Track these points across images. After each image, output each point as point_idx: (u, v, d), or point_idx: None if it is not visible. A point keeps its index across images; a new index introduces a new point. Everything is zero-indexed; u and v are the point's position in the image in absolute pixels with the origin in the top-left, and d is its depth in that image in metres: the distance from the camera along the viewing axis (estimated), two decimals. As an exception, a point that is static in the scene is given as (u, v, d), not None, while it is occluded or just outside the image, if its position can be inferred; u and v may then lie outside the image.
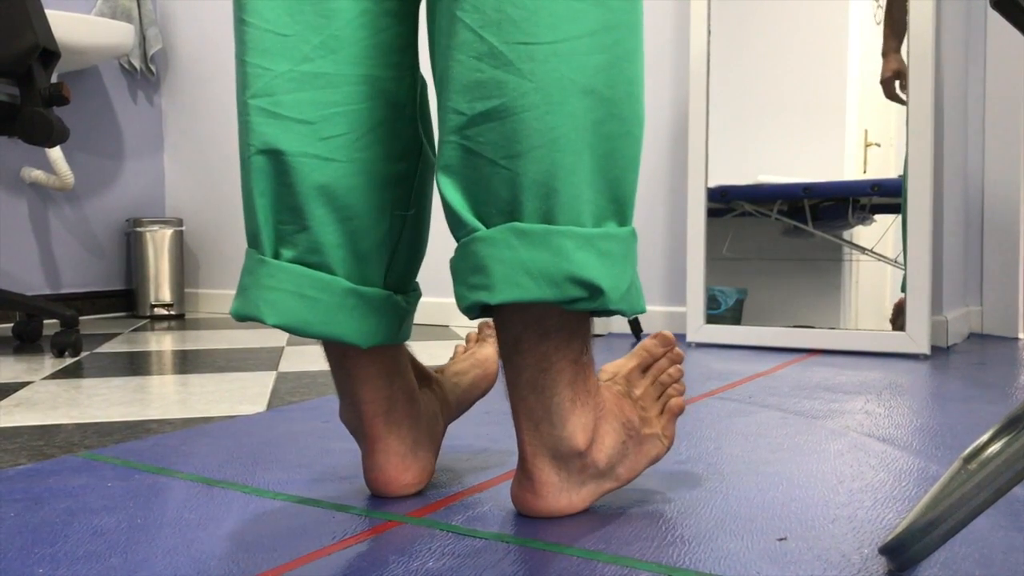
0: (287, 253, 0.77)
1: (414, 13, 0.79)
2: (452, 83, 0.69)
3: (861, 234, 1.98)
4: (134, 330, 2.50)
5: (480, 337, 1.06)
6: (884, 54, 1.90)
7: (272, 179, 0.76)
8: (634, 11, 0.70)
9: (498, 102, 0.67)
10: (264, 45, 0.75)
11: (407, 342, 0.86)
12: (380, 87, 0.77)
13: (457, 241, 0.72)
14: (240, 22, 0.76)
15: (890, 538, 0.63)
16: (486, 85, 0.67)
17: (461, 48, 0.68)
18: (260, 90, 0.75)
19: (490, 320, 1.06)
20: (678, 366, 0.87)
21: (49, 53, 1.76)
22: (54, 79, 1.90)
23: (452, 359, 1.02)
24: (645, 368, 0.86)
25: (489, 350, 1.03)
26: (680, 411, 0.86)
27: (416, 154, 0.81)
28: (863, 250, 1.97)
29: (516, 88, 0.66)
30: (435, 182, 0.74)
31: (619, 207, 0.71)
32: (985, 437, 0.70)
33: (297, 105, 0.75)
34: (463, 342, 1.09)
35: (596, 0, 0.67)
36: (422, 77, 0.83)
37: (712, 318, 2.05)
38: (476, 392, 0.99)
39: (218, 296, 3.03)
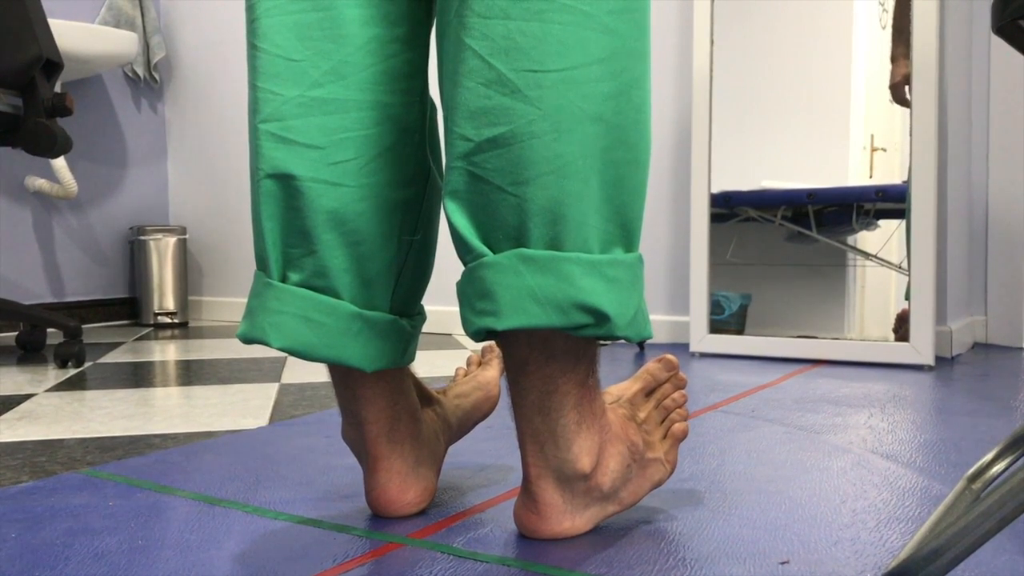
0: (294, 277, 0.77)
1: (424, 39, 0.80)
2: (459, 109, 0.69)
3: (866, 239, 1.97)
4: (138, 339, 2.50)
5: (483, 361, 1.06)
6: (893, 59, 1.90)
7: (281, 203, 0.76)
8: (642, 39, 0.70)
9: (505, 129, 0.67)
10: (274, 70, 0.75)
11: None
12: (389, 113, 0.77)
13: (464, 266, 0.72)
14: (252, 47, 0.77)
15: (893, 565, 0.62)
16: (494, 112, 0.67)
17: (469, 75, 0.68)
18: (270, 115, 0.75)
19: (493, 344, 1.07)
20: (682, 391, 0.87)
21: (52, 63, 1.77)
22: (57, 88, 1.90)
23: (453, 381, 1.02)
24: (649, 392, 0.86)
25: (491, 373, 1.03)
26: (683, 436, 0.86)
27: (424, 179, 0.81)
28: (867, 255, 1.96)
29: (524, 115, 0.67)
30: (442, 207, 0.74)
31: (626, 233, 0.71)
32: (989, 457, 0.70)
33: (306, 130, 0.75)
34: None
35: (604, 28, 0.67)
36: (432, 102, 0.84)
37: (716, 324, 2.05)
38: (477, 415, 0.99)
39: (222, 304, 3.03)
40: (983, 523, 0.58)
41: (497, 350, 1.07)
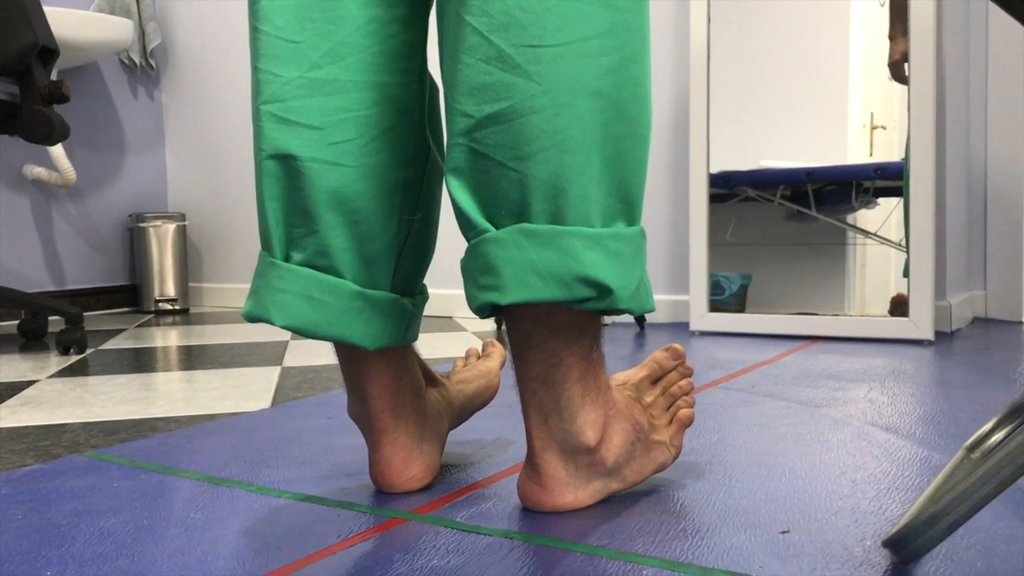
0: (297, 256, 0.78)
1: (423, 20, 0.80)
2: (460, 86, 0.69)
3: (865, 217, 1.97)
4: (139, 325, 2.50)
5: (484, 354, 1.08)
6: (891, 37, 1.89)
7: (283, 183, 0.77)
8: (641, 12, 0.70)
9: (506, 104, 0.67)
10: (275, 52, 0.76)
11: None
12: (388, 93, 0.77)
13: (467, 242, 0.72)
14: (254, 29, 0.77)
15: (893, 531, 0.63)
16: (494, 88, 0.67)
17: (469, 51, 0.68)
18: (271, 96, 0.76)
19: (494, 340, 1.09)
20: (688, 379, 0.87)
21: (48, 51, 1.76)
22: (54, 76, 1.90)
23: (454, 371, 1.03)
24: (655, 379, 0.87)
25: (492, 364, 1.05)
26: (689, 422, 0.86)
27: (424, 159, 0.82)
28: (867, 234, 1.97)
29: (524, 90, 0.67)
30: (444, 184, 0.75)
31: (627, 207, 0.72)
32: (988, 426, 0.70)
33: (306, 111, 0.76)
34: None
35: (603, 2, 0.67)
36: (433, 82, 0.84)
37: (716, 304, 2.05)
38: (478, 401, 1.00)
39: (222, 290, 3.03)
40: (981, 487, 0.58)
41: (498, 344, 1.09)
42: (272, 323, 0.77)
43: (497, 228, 0.70)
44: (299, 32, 0.76)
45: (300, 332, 0.78)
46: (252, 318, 0.79)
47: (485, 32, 0.67)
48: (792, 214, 2.03)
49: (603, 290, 0.69)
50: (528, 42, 0.67)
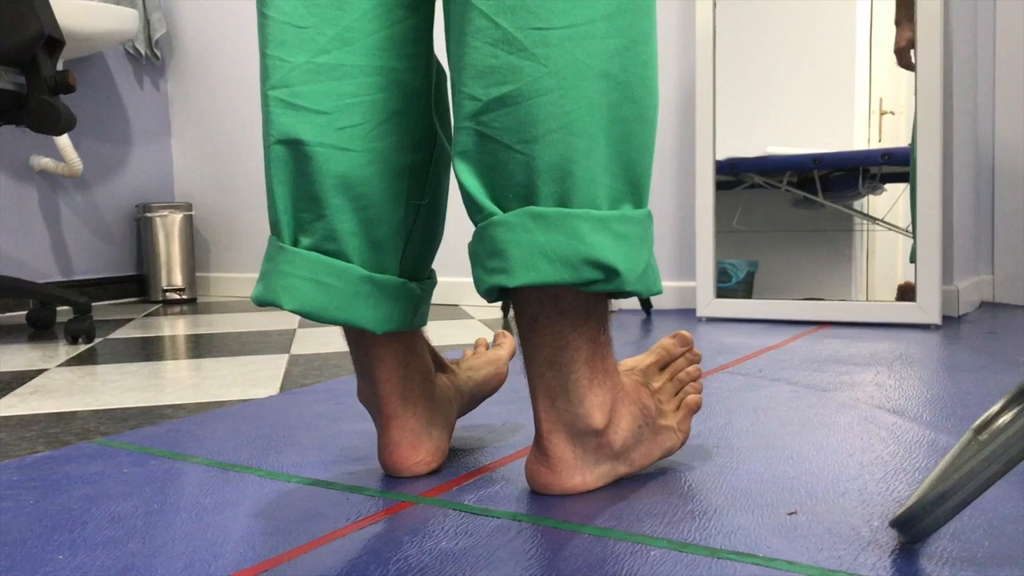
0: (305, 240, 0.78)
1: (429, 4, 0.80)
2: (467, 69, 0.69)
3: (872, 203, 1.97)
4: (147, 315, 2.51)
5: (494, 344, 1.08)
6: (897, 23, 1.88)
7: (291, 168, 0.77)
8: None
9: (513, 87, 0.67)
10: (282, 37, 0.76)
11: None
12: (394, 78, 0.78)
13: (475, 226, 0.72)
14: (261, 16, 0.78)
15: (901, 512, 0.63)
16: (501, 71, 0.68)
17: (475, 34, 0.68)
18: (279, 81, 0.76)
19: (505, 331, 1.10)
20: (696, 365, 0.88)
21: (54, 41, 1.76)
22: (60, 67, 1.90)
23: (463, 358, 1.03)
24: (663, 366, 0.87)
25: (502, 352, 1.05)
26: (697, 408, 0.87)
27: (431, 144, 0.82)
28: (874, 220, 1.96)
29: (531, 73, 0.67)
30: (452, 168, 0.75)
31: (634, 189, 0.72)
32: (995, 408, 0.70)
33: (314, 96, 0.76)
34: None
35: None
36: (440, 67, 0.84)
37: (723, 291, 2.05)
38: (487, 388, 1.01)
39: (229, 279, 3.04)
40: (988, 467, 0.58)
41: (509, 334, 1.09)
42: (281, 307, 0.78)
43: (504, 211, 0.70)
44: (306, 17, 0.76)
45: (308, 316, 0.78)
46: (261, 302, 0.79)
47: (492, 15, 0.68)
48: (799, 200, 2.03)
49: (610, 272, 0.69)
50: (535, 24, 0.67)
